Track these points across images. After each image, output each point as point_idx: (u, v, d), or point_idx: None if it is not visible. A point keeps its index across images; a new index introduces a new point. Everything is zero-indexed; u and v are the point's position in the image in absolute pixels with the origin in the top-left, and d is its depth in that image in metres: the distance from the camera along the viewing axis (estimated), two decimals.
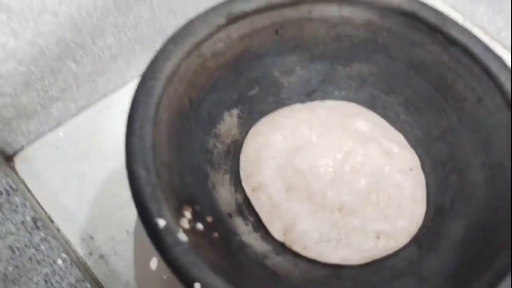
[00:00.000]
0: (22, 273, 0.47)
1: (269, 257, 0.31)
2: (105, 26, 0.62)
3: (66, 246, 0.51)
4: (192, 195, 0.29)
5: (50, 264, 0.49)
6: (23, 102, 0.59)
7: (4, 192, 0.50)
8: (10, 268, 0.46)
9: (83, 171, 0.64)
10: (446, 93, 0.35)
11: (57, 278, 0.47)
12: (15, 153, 0.62)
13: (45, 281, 0.47)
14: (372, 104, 0.37)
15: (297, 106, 0.37)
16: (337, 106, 0.37)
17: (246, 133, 0.35)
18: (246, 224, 0.32)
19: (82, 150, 0.65)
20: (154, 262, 0.41)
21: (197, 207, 0.29)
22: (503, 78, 0.32)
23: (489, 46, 0.33)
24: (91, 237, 0.60)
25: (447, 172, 0.34)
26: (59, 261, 0.48)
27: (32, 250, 0.49)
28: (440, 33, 0.34)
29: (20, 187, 0.54)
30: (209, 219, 0.30)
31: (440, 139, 0.35)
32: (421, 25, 0.34)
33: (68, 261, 0.48)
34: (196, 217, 0.29)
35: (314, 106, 0.37)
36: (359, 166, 0.33)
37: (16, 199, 0.51)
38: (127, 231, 0.61)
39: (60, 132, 0.67)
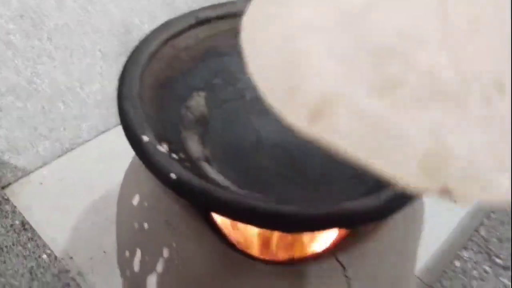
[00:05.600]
0: (9, 267, 0.51)
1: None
2: (92, 73, 0.73)
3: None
4: (168, 137, 0.37)
5: (36, 259, 0.53)
6: (16, 136, 0.67)
7: None
8: None
9: (65, 204, 0.70)
10: None
11: (42, 270, 0.51)
12: (3, 188, 0.68)
13: (30, 273, 0.51)
14: None
15: None
16: None
17: (213, 111, 0.45)
18: (212, 168, 0.40)
19: (65, 187, 0.72)
20: None
21: (172, 145, 0.37)
22: None
23: None
24: (71, 258, 0.64)
25: None
26: (44, 256, 0.53)
27: (19, 248, 0.53)
28: None
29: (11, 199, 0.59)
30: (182, 155, 0.38)
31: None
32: None
33: (53, 256, 0.52)
34: (171, 150, 0.36)
35: None
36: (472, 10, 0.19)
37: (7, 207, 0.56)
38: (104, 251, 0.66)
39: (44, 171, 0.74)
